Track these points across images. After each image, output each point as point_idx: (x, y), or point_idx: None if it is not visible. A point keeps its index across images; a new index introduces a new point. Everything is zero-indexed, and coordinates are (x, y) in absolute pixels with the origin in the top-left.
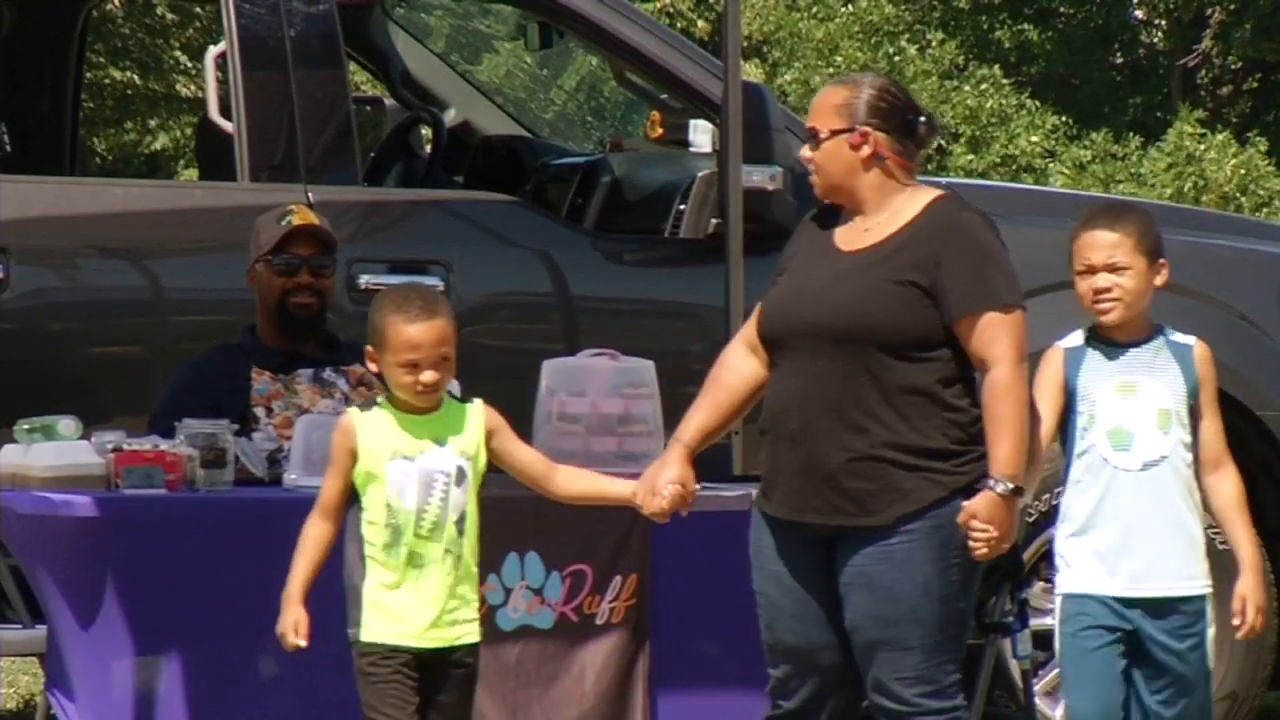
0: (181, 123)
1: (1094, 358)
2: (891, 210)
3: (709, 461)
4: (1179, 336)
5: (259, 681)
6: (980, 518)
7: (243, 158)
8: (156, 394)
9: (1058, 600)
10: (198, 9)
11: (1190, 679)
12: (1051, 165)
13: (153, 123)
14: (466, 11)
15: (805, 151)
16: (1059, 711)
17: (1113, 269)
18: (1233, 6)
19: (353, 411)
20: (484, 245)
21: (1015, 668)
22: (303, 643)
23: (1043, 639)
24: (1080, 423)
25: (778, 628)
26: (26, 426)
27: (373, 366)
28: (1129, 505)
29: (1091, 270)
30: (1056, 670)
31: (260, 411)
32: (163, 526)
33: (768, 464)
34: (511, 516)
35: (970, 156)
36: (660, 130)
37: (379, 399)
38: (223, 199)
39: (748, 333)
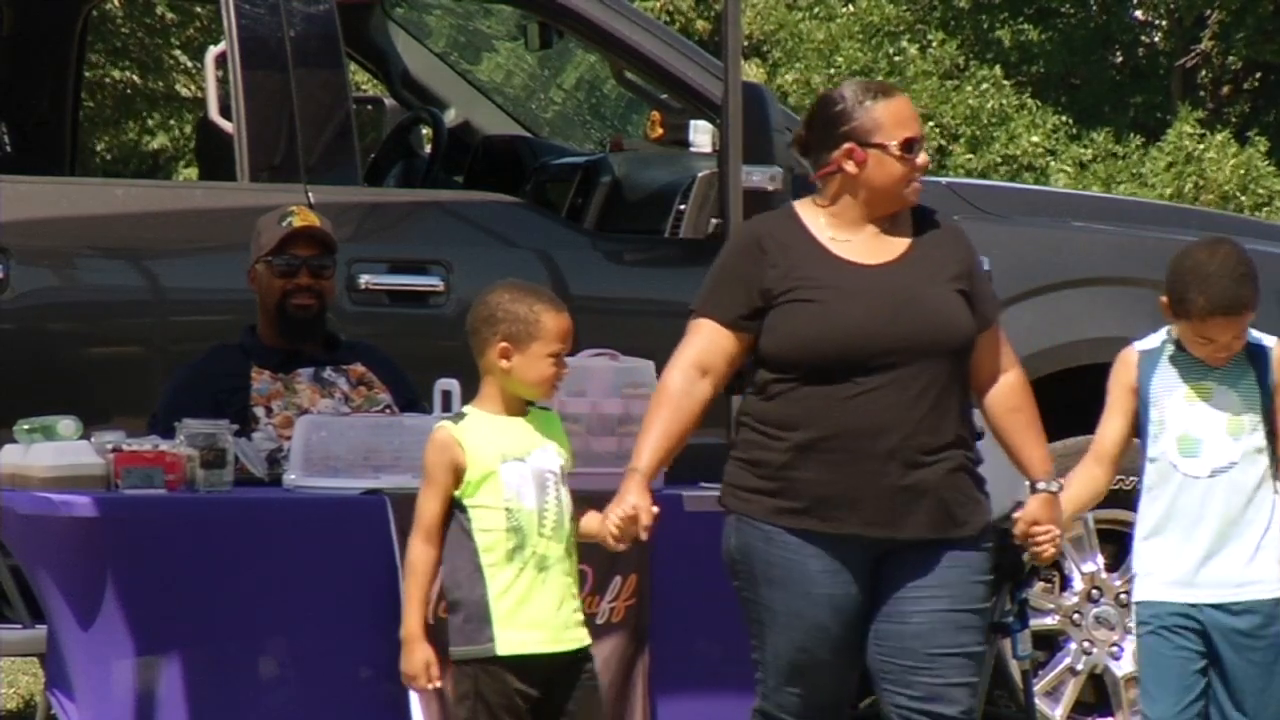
0: (181, 123)
1: (1167, 362)
2: (891, 220)
3: (708, 461)
4: (1257, 335)
5: (259, 681)
6: (1041, 521)
7: (243, 158)
8: (156, 394)
9: (1134, 606)
10: (198, 9)
11: (1266, 681)
12: (1052, 164)
13: (152, 122)
14: (466, 11)
15: (924, 158)
16: (1059, 711)
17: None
18: (1233, 7)
19: (445, 425)
20: (484, 245)
21: (1015, 668)
22: (436, 684)
23: (1043, 639)
24: (1152, 430)
25: (817, 650)
26: (26, 426)
27: (503, 363)
28: (1198, 512)
29: (1211, 341)
30: (1056, 670)
31: (260, 411)
32: (163, 526)
33: (831, 483)
34: None
35: (970, 156)
36: (660, 130)
37: (464, 408)
38: (223, 199)
39: (698, 356)
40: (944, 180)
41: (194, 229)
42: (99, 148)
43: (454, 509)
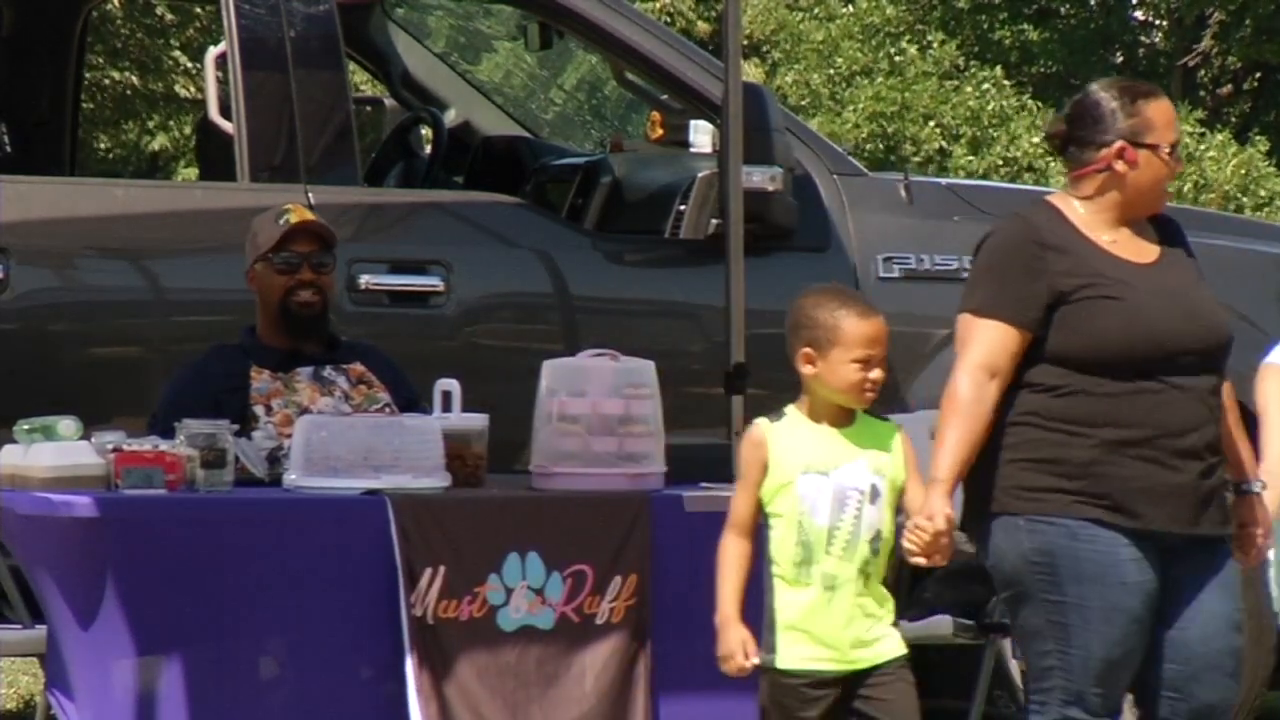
0: (181, 123)
1: None
2: (1138, 221)
3: (709, 461)
4: None
5: (259, 681)
6: (1248, 523)
7: (243, 158)
8: (156, 394)
9: None
10: (198, 9)
11: None
12: (1052, 164)
13: (152, 123)
14: (466, 12)
15: (1180, 163)
16: None
17: None
18: (1232, 7)
19: (762, 422)
20: (484, 245)
21: (1015, 668)
22: (754, 662)
23: None
24: None
25: (1132, 643)
26: (26, 427)
27: (808, 369)
28: None
29: None
30: None
31: (260, 410)
32: (163, 526)
33: (1140, 478)
34: (512, 517)
35: (971, 158)
36: (660, 131)
37: (788, 408)
38: (223, 199)
39: (986, 359)
40: (944, 181)
41: (194, 229)
42: (99, 148)
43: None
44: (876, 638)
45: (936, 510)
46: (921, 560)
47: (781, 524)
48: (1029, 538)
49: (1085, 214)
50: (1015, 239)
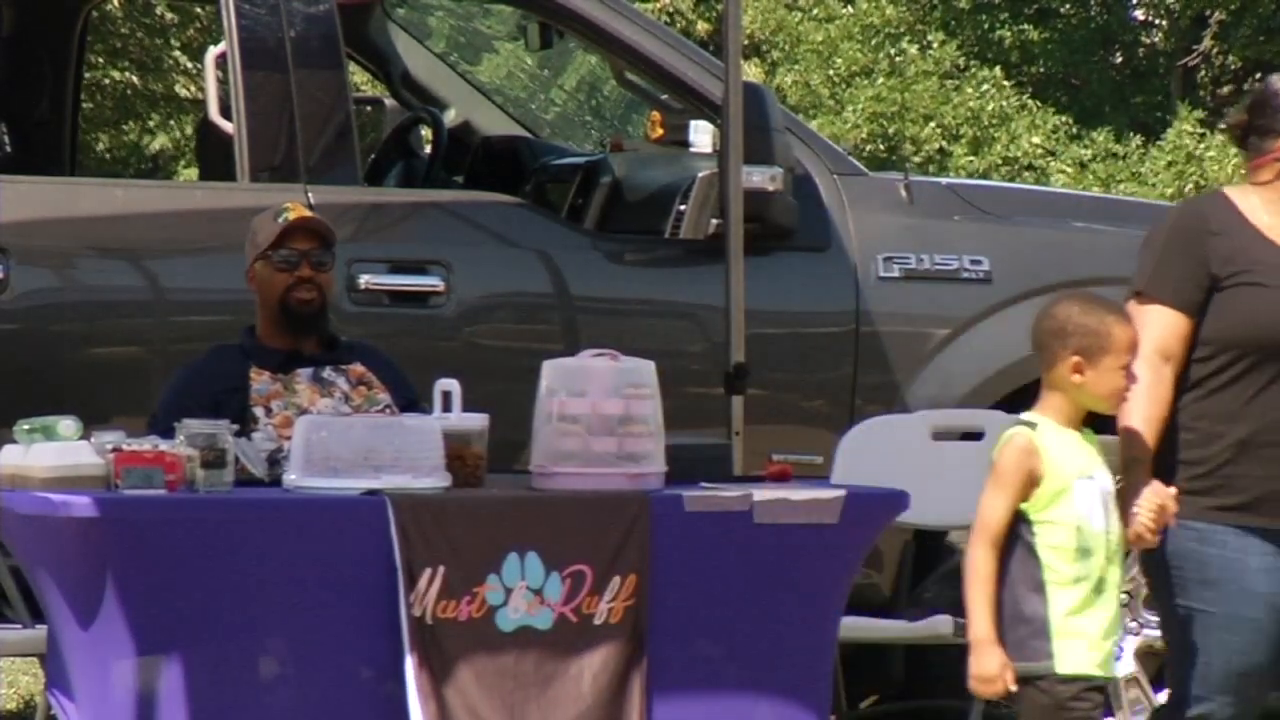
0: (181, 123)
1: None
2: None
3: (709, 462)
4: None
5: (259, 681)
6: None
7: (243, 158)
8: (156, 394)
9: None
10: (198, 9)
11: None
12: (1052, 164)
13: (152, 123)
14: (467, 12)
15: None
16: None
17: None
18: (1233, 7)
19: (1026, 430)
20: (484, 245)
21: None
22: (1011, 688)
23: None
24: None
25: (1255, 654)
26: (26, 427)
27: (1075, 377)
28: None
29: None
30: None
31: (260, 411)
32: (163, 526)
33: (1272, 479)
34: (512, 516)
35: (971, 158)
36: (660, 130)
37: (1031, 415)
38: (223, 199)
39: (1159, 344)
40: (944, 180)
41: (194, 229)
42: (99, 148)
43: (1016, 519)
44: (1117, 649)
45: (1150, 487)
46: (1154, 539)
47: (1057, 530)
48: (1168, 541)
49: (1259, 202)
50: (1185, 222)
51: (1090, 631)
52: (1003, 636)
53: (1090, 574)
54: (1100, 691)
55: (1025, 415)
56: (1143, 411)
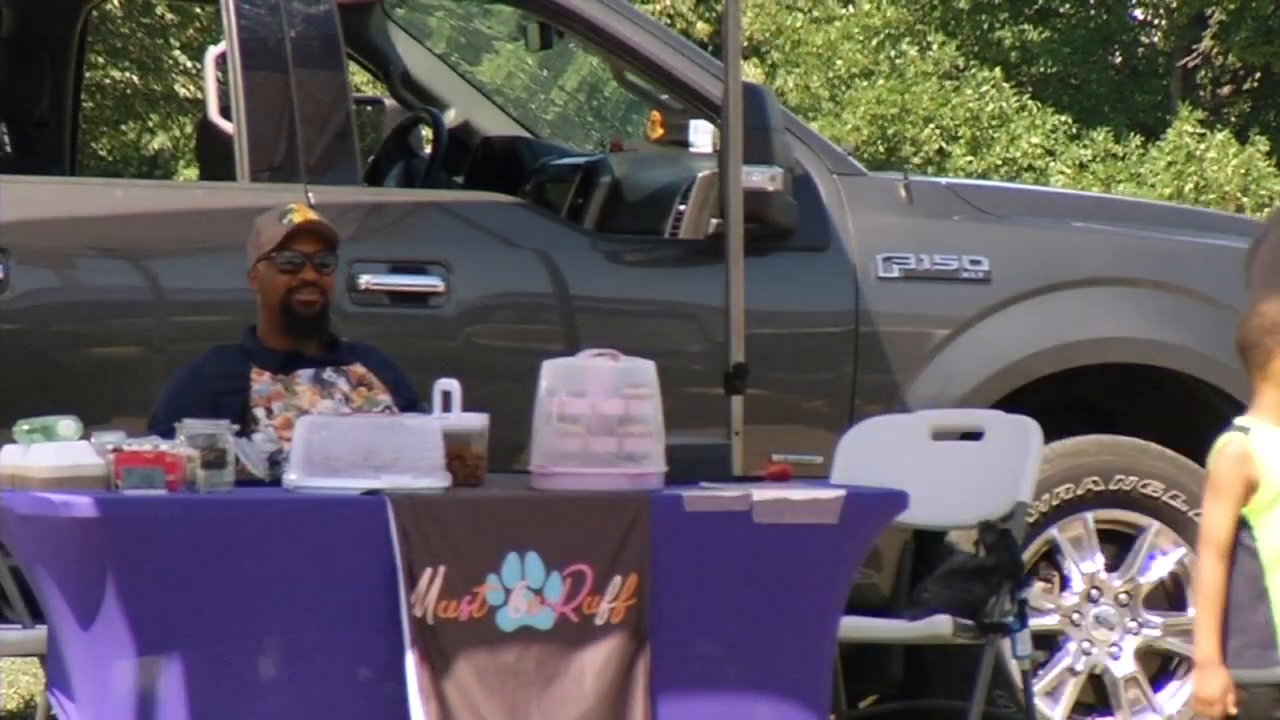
0: (181, 123)
1: None
2: None
3: (709, 462)
4: None
5: (259, 681)
6: None
7: (243, 158)
8: (156, 394)
9: None
10: (198, 9)
11: None
12: (1052, 164)
13: (152, 123)
14: (467, 12)
15: None
16: (1059, 711)
17: None
18: (1232, 7)
19: (1237, 436)
20: (484, 245)
21: (1015, 668)
22: (1234, 710)
23: (1042, 639)
24: None
25: None
26: (26, 427)
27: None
28: None
29: None
30: (1056, 670)
31: (260, 412)
32: (163, 527)
33: None
34: (512, 516)
35: (970, 158)
36: (660, 130)
37: (1244, 420)
38: (223, 199)
39: None
40: (944, 181)
41: (194, 229)
42: (99, 148)
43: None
44: None
45: None
46: None
47: (1275, 536)
48: None
49: None
50: None
51: None
52: (1222, 646)
53: None
54: None
55: (1238, 420)
56: None
